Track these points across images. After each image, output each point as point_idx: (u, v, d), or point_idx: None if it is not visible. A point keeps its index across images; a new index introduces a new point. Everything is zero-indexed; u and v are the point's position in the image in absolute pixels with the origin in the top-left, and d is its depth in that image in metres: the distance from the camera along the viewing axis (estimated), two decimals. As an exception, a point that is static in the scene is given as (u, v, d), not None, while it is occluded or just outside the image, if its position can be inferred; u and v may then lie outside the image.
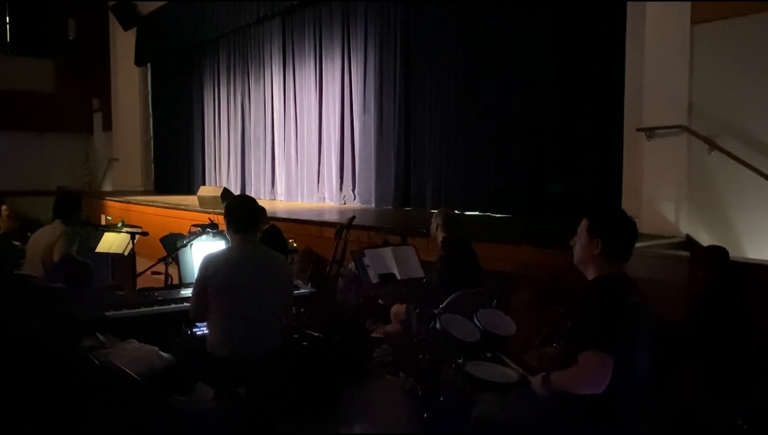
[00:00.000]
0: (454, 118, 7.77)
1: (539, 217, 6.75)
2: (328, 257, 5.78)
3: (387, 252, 4.76)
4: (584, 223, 2.63)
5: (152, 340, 3.53)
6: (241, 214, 3.45)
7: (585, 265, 2.61)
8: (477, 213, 7.41)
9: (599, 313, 2.42)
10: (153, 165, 14.68)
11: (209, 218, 5.68)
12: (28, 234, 5.18)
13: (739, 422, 3.16)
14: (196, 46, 12.61)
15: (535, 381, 2.57)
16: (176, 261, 4.66)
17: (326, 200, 9.75)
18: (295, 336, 3.90)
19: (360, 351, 4.53)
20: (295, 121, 10.42)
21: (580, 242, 2.62)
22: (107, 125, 15.46)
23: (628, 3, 5.70)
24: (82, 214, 4.89)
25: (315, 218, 7.36)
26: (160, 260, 4.79)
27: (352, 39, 9.31)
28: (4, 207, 8.63)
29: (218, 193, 8.39)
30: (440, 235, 4.57)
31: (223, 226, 3.73)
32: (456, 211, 5.95)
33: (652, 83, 5.28)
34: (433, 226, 4.64)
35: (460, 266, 4.40)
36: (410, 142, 8.40)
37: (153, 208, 10.05)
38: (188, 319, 3.65)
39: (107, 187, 15.30)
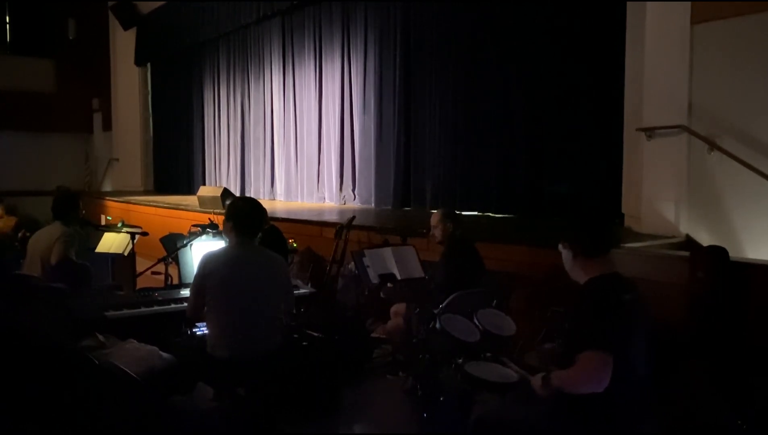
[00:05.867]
0: (454, 118, 7.77)
1: (539, 217, 6.75)
2: (328, 257, 5.78)
3: (387, 252, 4.76)
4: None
5: (152, 340, 3.53)
6: (248, 216, 3.44)
7: (574, 273, 2.67)
8: (477, 213, 7.40)
9: (595, 312, 2.44)
10: (153, 165, 14.67)
11: (209, 218, 5.68)
12: (27, 234, 5.17)
13: (739, 422, 3.16)
14: (196, 46, 12.62)
15: (535, 381, 2.58)
16: (176, 261, 4.66)
17: (326, 200, 9.75)
18: (295, 336, 3.90)
19: (360, 351, 4.53)
20: (295, 121, 10.42)
21: (563, 257, 2.72)
22: (107, 125, 15.46)
23: (628, 3, 5.71)
24: (81, 215, 4.88)
25: (315, 218, 7.35)
26: (160, 260, 4.79)
27: (352, 39, 9.31)
28: (0, 206, 8.59)
29: (218, 193, 8.39)
30: (446, 233, 4.54)
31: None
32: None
33: (652, 83, 5.28)
34: (436, 224, 4.60)
35: (464, 264, 4.39)
36: (410, 142, 8.40)
37: (153, 208, 10.05)
38: (187, 318, 3.65)
39: (107, 187, 15.29)
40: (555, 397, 2.50)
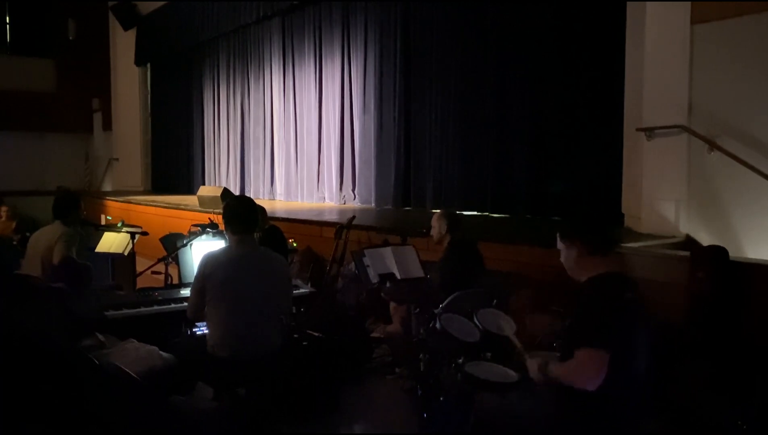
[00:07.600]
0: (454, 118, 7.77)
1: (539, 217, 6.75)
2: (328, 257, 5.78)
3: (387, 252, 4.76)
4: (557, 236, 2.68)
5: (152, 340, 3.53)
6: (240, 215, 3.46)
7: (576, 272, 2.63)
8: (476, 213, 7.41)
9: (595, 310, 2.44)
10: (153, 165, 14.67)
11: (209, 218, 5.69)
12: (27, 234, 5.17)
13: (739, 422, 3.16)
14: (196, 46, 12.62)
15: (531, 365, 2.58)
16: (176, 261, 4.67)
17: (326, 200, 9.76)
18: (295, 336, 3.90)
19: (360, 351, 4.53)
20: (295, 121, 10.42)
21: (562, 254, 2.67)
22: (107, 125, 15.46)
23: (628, 3, 5.71)
24: (81, 214, 4.88)
25: (315, 218, 7.35)
26: (160, 260, 4.79)
27: (352, 39, 9.31)
28: (4, 208, 8.63)
29: (218, 193, 8.39)
30: (440, 234, 4.57)
31: (223, 226, 3.73)
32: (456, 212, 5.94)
33: (652, 83, 5.28)
34: (438, 227, 4.62)
35: (458, 267, 4.39)
36: (410, 142, 8.40)
37: (153, 208, 10.05)
38: (187, 318, 3.65)
39: (107, 187, 15.30)
40: (554, 396, 2.50)
